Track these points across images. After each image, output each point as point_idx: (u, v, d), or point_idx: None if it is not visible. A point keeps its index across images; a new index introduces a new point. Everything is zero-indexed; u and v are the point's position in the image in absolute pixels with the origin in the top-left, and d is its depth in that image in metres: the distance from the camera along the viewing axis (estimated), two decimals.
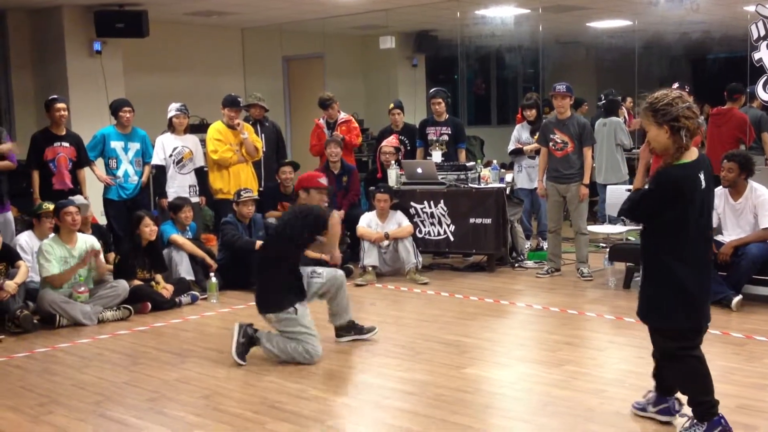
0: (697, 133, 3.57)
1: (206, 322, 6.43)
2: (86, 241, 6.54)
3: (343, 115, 9.12)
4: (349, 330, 5.69)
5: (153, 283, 6.84)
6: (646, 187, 3.67)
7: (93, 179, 7.93)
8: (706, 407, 3.66)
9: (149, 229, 6.85)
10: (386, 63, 13.44)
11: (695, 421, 3.69)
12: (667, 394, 3.91)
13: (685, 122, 3.50)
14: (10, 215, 7.17)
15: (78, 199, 6.99)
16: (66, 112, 7.56)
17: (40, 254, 6.32)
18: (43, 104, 7.74)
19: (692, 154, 3.58)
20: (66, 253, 6.39)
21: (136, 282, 6.75)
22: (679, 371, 3.74)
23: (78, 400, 4.57)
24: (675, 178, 3.54)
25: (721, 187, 6.39)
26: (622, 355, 5.27)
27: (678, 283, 3.61)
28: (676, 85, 7.85)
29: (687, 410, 3.80)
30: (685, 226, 3.57)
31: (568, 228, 8.08)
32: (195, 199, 8.02)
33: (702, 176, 3.57)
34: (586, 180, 7.53)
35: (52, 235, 6.52)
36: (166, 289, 6.80)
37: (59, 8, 9.67)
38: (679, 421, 3.84)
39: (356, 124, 9.32)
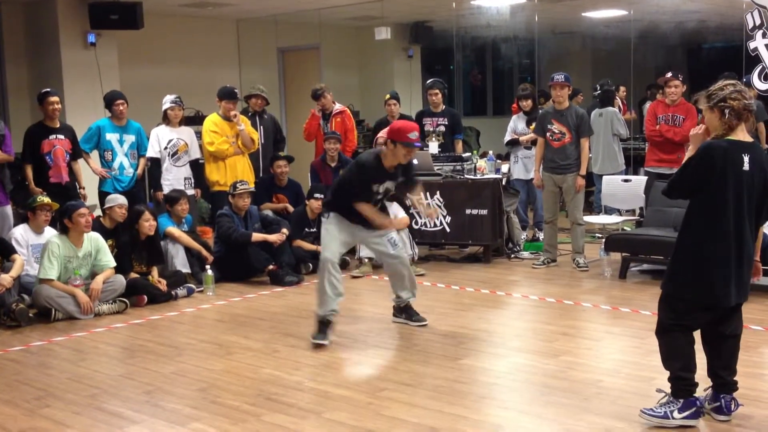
0: (745, 114, 3.69)
1: (202, 315, 6.42)
2: (92, 241, 6.50)
3: (337, 106, 9.10)
4: (401, 312, 5.87)
5: (149, 277, 6.84)
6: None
7: (88, 172, 7.91)
8: (683, 384, 3.75)
9: (149, 224, 6.84)
10: (382, 54, 13.40)
11: (671, 398, 3.78)
12: (721, 391, 3.89)
13: (731, 102, 3.67)
14: (8, 209, 7.15)
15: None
16: (59, 105, 7.53)
17: (46, 252, 6.27)
18: (36, 97, 7.71)
19: (740, 135, 3.70)
20: (71, 253, 6.36)
21: (133, 275, 6.74)
22: (666, 344, 3.80)
23: (74, 394, 4.57)
24: (715, 147, 3.66)
25: None
26: (618, 346, 5.28)
27: (701, 257, 3.68)
28: (669, 74, 7.86)
29: (666, 386, 3.85)
30: (722, 204, 3.63)
31: (564, 219, 8.09)
32: (190, 192, 8.00)
33: (746, 158, 3.66)
34: (583, 171, 7.53)
35: (51, 231, 6.50)
36: (160, 283, 6.79)
37: (53, 0, 9.62)
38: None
39: (350, 115, 9.29)
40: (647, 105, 11.54)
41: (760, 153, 3.74)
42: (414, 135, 5.34)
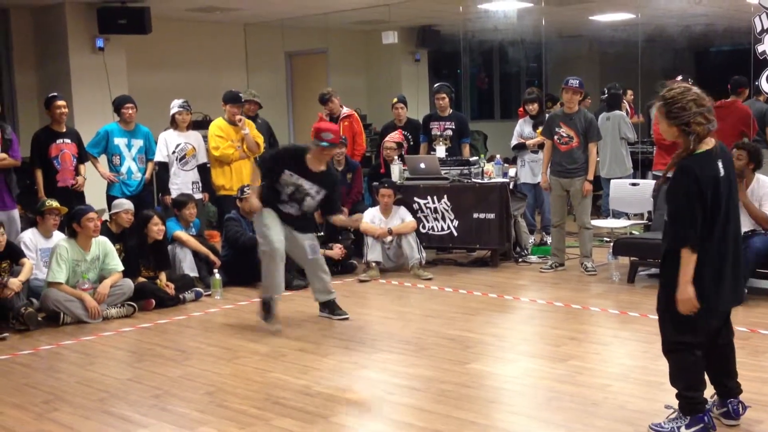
0: (707, 136, 3.57)
1: (210, 319, 6.43)
2: (99, 244, 6.52)
3: (345, 110, 9.10)
4: (324, 308, 6.23)
5: (157, 281, 6.85)
6: (669, 205, 3.63)
7: (96, 176, 7.94)
8: (687, 402, 3.72)
9: (157, 228, 6.85)
10: (389, 58, 13.42)
11: (680, 414, 3.75)
12: (726, 396, 3.87)
13: (696, 128, 3.54)
14: (15, 213, 7.17)
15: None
16: (66, 110, 7.57)
17: (54, 255, 6.30)
18: (44, 102, 7.74)
19: (708, 144, 3.59)
20: (79, 257, 6.38)
21: (140, 279, 6.76)
22: (672, 363, 3.77)
23: (82, 397, 4.58)
24: (695, 167, 3.53)
25: None
26: (626, 350, 5.26)
27: (697, 269, 3.58)
28: (679, 77, 7.83)
29: (674, 401, 3.82)
30: (705, 218, 3.54)
31: (571, 222, 8.07)
32: (198, 196, 8.02)
33: (720, 164, 3.59)
34: (590, 175, 7.51)
35: (60, 235, 6.51)
36: (168, 287, 6.81)
37: (62, 5, 9.66)
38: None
39: (358, 119, 9.30)
40: (654, 109, 11.52)
41: (725, 151, 3.68)
42: (328, 136, 5.74)
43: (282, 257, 5.85)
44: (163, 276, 6.91)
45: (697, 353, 3.70)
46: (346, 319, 6.11)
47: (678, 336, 3.70)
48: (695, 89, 3.62)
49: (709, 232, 3.57)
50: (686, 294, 3.54)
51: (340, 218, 6.34)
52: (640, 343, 5.26)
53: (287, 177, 5.80)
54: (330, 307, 6.20)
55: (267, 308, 5.93)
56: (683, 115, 3.54)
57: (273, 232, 5.81)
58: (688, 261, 3.53)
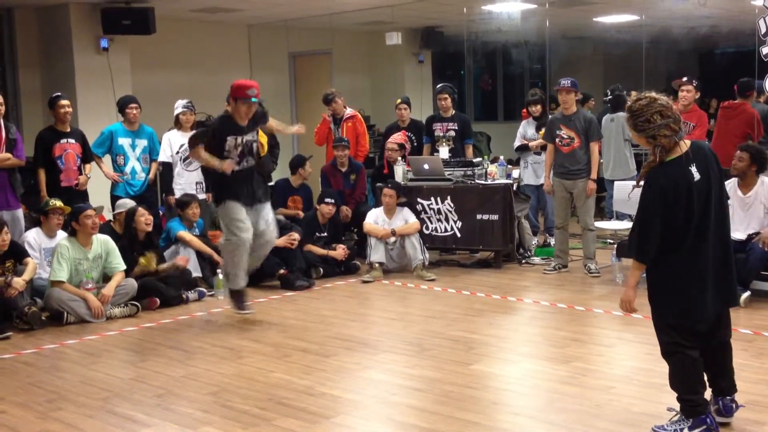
0: (675, 146, 3.58)
1: (213, 319, 6.44)
2: (101, 243, 6.53)
3: (348, 111, 9.11)
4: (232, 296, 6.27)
5: (156, 267, 6.89)
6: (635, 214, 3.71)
7: (100, 176, 7.95)
8: (691, 405, 3.72)
9: (144, 218, 6.88)
10: (393, 59, 13.42)
11: (682, 416, 3.76)
12: (718, 395, 3.88)
13: (662, 140, 3.58)
14: (19, 212, 7.18)
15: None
16: (70, 109, 7.57)
17: (56, 254, 6.32)
18: (47, 102, 7.76)
19: (677, 151, 3.60)
20: (81, 255, 6.40)
21: (136, 271, 6.76)
22: (671, 367, 3.78)
23: (86, 397, 4.59)
24: (659, 179, 3.57)
25: (732, 179, 6.38)
26: (630, 352, 5.26)
27: (674, 282, 3.65)
28: (684, 78, 7.83)
29: (676, 404, 3.82)
30: (682, 224, 3.57)
31: (575, 224, 8.07)
32: (202, 196, 8.03)
33: (694, 168, 3.58)
34: (593, 175, 7.51)
35: (64, 234, 6.52)
36: (159, 269, 6.91)
37: (66, 5, 9.67)
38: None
39: (362, 120, 9.30)
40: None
41: (702, 152, 3.67)
42: (252, 92, 5.88)
43: (249, 247, 6.01)
44: (152, 260, 6.91)
45: (694, 354, 3.71)
46: (251, 314, 6.25)
47: (670, 338, 3.73)
48: (662, 100, 3.63)
49: (684, 239, 3.58)
50: (627, 296, 3.80)
51: (273, 123, 6.45)
52: (643, 345, 5.25)
53: (231, 141, 5.93)
54: (237, 299, 6.21)
55: (240, 298, 6.14)
56: (648, 127, 3.59)
57: (240, 221, 5.94)
58: (634, 269, 3.75)
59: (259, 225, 6.10)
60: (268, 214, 6.20)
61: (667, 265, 3.66)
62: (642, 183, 3.70)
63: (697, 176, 3.58)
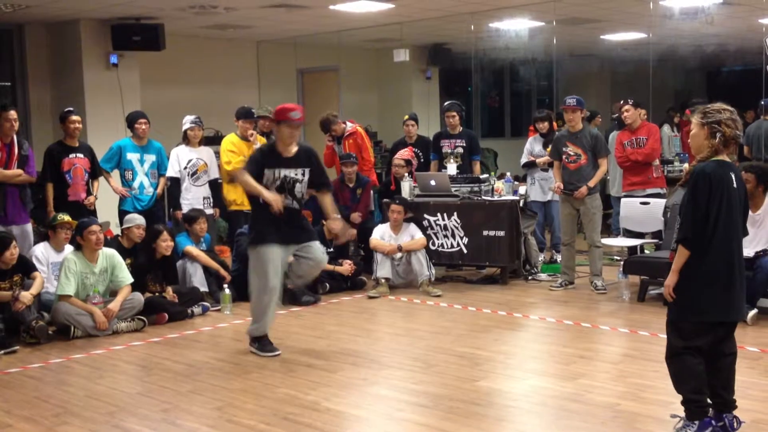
0: (732, 143, 3.83)
1: (220, 334, 6.45)
2: (107, 257, 6.56)
3: (348, 127, 9.11)
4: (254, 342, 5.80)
5: (164, 294, 6.88)
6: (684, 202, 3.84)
7: (108, 190, 7.99)
8: (695, 406, 3.77)
9: (166, 244, 6.90)
10: (400, 76, 13.48)
11: (687, 421, 3.79)
12: (722, 410, 3.88)
13: (725, 128, 3.79)
14: (29, 227, 7.23)
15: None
16: (80, 125, 7.63)
17: (63, 268, 6.35)
18: (59, 116, 7.81)
19: (724, 156, 3.83)
20: (87, 269, 6.42)
21: (147, 294, 6.78)
22: (676, 368, 3.83)
23: (92, 411, 4.59)
24: (708, 170, 3.75)
25: None
26: (636, 369, 5.23)
27: (699, 279, 3.76)
28: (621, 101, 8.27)
29: (681, 411, 3.85)
30: (714, 224, 3.72)
31: (581, 241, 8.06)
32: (209, 211, 8.06)
33: (733, 176, 3.81)
34: (592, 183, 7.50)
35: (72, 248, 6.56)
36: (174, 298, 6.86)
37: (76, 21, 9.77)
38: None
39: (362, 134, 9.24)
40: (665, 128, 11.53)
41: (738, 171, 3.92)
42: (296, 114, 5.58)
43: (276, 297, 5.64)
44: (169, 290, 6.93)
45: (698, 361, 3.79)
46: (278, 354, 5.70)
47: (683, 342, 3.80)
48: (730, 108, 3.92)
49: (713, 237, 3.74)
50: (670, 280, 3.83)
51: (337, 223, 5.99)
52: (650, 362, 5.23)
53: (269, 174, 5.56)
54: (263, 342, 5.73)
55: (265, 341, 5.71)
56: (718, 116, 3.80)
57: (271, 267, 5.54)
58: (681, 254, 3.80)
59: (305, 252, 5.70)
60: (315, 249, 5.74)
61: (696, 267, 3.77)
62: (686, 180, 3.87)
63: (735, 184, 3.80)
